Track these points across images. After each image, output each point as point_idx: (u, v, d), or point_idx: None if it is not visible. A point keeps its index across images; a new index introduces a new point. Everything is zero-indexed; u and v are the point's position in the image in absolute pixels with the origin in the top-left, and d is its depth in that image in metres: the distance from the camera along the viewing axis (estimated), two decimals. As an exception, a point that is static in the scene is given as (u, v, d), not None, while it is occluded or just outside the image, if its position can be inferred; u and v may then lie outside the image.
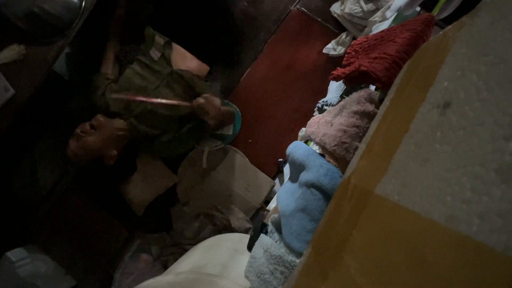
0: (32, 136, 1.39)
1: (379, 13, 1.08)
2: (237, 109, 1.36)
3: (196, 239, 1.20)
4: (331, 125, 0.63)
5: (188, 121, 1.22)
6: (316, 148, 0.67)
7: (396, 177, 0.27)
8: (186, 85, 1.18)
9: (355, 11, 1.17)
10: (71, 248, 1.37)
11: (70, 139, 1.08)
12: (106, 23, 1.23)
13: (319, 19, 1.32)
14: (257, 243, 0.61)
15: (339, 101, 0.94)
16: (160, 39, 1.16)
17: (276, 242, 0.60)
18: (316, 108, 1.08)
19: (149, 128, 1.15)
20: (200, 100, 1.06)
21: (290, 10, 1.35)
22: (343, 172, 0.54)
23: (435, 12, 0.78)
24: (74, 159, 1.08)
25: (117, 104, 1.13)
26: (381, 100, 0.56)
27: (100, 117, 1.10)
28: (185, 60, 1.19)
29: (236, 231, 1.21)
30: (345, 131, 0.55)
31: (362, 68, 0.57)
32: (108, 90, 1.14)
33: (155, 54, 1.15)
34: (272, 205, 1.20)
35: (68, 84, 1.38)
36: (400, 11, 0.90)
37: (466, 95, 0.22)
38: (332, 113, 0.68)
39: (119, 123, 1.12)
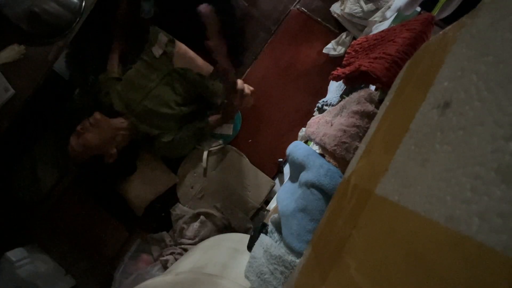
0: (32, 136, 1.38)
1: (379, 13, 1.08)
2: (237, 109, 1.35)
3: (196, 239, 1.20)
4: (331, 125, 0.63)
5: (189, 122, 1.22)
6: (316, 148, 0.67)
7: (396, 177, 0.27)
8: (188, 84, 1.18)
9: (355, 11, 1.17)
10: (71, 248, 1.37)
11: (71, 136, 1.09)
12: (106, 23, 1.23)
13: (319, 19, 1.32)
14: (257, 243, 0.61)
15: (339, 101, 0.94)
16: (163, 37, 1.16)
17: (276, 242, 0.60)
18: (316, 108, 1.08)
19: (150, 128, 1.15)
20: (248, 87, 1.10)
21: (290, 10, 1.35)
22: (343, 172, 0.54)
23: (435, 12, 0.78)
24: (73, 155, 1.08)
25: (119, 103, 1.13)
26: (381, 100, 0.56)
27: (97, 115, 1.10)
28: (187, 59, 1.19)
29: (236, 231, 1.21)
30: (345, 131, 0.55)
31: (362, 68, 0.57)
32: (112, 89, 1.15)
33: (157, 51, 1.15)
34: (272, 205, 1.20)
35: (68, 84, 1.38)
36: (400, 11, 0.90)
37: (466, 95, 0.22)
38: (332, 113, 0.68)
39: (119, 122, 1.12)
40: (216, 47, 0.96)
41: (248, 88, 1.08)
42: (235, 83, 1.07)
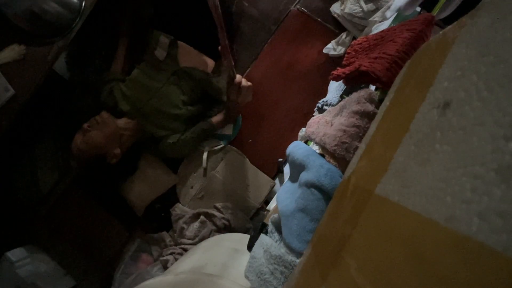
0: (32, 136, 1.38)
1: (379, 13, 1.08)
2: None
3: (196, 239, 1.20)
4: (331, 125, 0.63)
5: (194, 123, 1.22)
6: (316, 148, 0.67)
7: (396, 177, 0.27)
8: (194, 82, 1.18)
9: (355, 11, 1.17)
10: (71, 248, 1.37)
11: (77, 133, 1.08)
12: (107, 23, 1.23)
13: (319, 19, 1.32)
14: (257, 243, 0.61)
15: (339, 101, 0.94)
16: (165, 39, 1.16)
17: (276, 242, 0.60)
18: (316, 108, 1.08)
19: (156, 128, 1.15)
20: (246, 82, 1.06)
21: (290, 10, 1.35)
22: (343, 172, 0.54)
23: (435, 12, 0.78)
24: (76, 153, 1.08)
25: (125, 103, 1.13)
26: (381, 100, 0.56)
27: (104, 114, 1.11)
28: (191, 57, 1.19)
29: (236, 231, 1.21)
30: (345, 131, 0.55)
31: (362, 68, 0.57)
32: (116, 90, 1.15)
33: (160, 54, 1.15)
34: (272, 205, 1.20)
35: (68, 84, 1.38)
36: (400, 11, 0.89)
37: (466, 95, 0.22)
38: (332, 113, 0.68)
39: (125, 122, 1.12)
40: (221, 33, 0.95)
41: (246, 82, 1.07)
42: (234, 74, 1.05)
